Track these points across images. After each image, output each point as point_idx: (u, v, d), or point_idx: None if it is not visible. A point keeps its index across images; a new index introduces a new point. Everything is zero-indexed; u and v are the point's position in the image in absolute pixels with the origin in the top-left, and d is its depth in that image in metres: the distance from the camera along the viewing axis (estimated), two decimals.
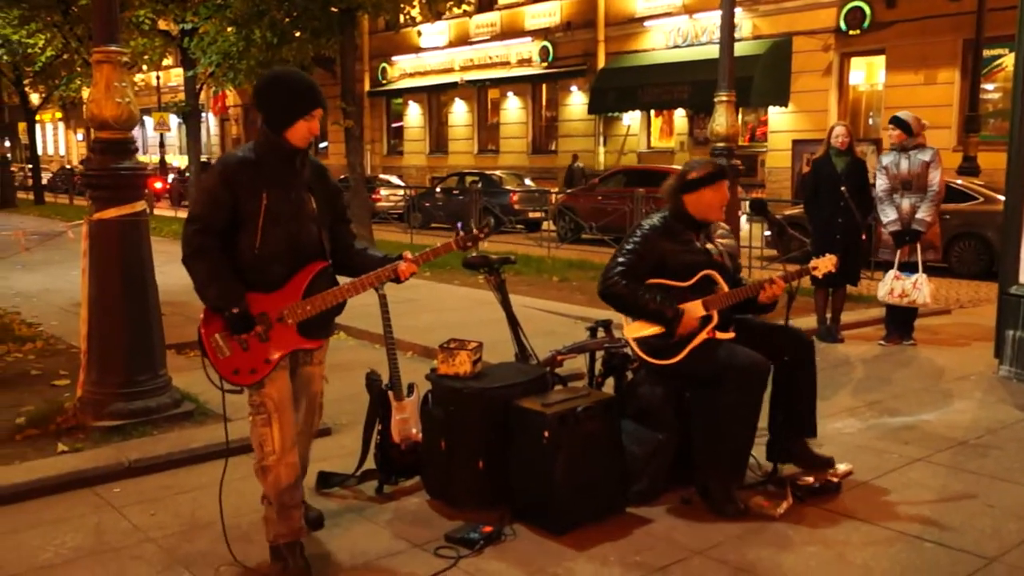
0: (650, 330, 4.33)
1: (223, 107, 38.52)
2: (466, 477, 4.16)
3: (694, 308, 4.29)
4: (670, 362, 4.29)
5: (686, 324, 4.25)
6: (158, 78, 34.68)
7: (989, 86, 18.51)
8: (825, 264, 4.50)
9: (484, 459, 4.13)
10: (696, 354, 4.26)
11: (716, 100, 8.61)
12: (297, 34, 14.55)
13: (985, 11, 15.99)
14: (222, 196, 3.39)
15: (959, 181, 13.82)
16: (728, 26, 8.47)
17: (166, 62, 26.85)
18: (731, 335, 4.34)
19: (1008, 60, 18.22)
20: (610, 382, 4.87)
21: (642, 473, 4.27)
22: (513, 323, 4.92)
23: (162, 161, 33.42)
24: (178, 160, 37.60)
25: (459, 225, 3.93)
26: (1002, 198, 12.43)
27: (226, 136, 42.20)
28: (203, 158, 21.83)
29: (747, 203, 5.01)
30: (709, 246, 4.46)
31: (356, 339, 7.62)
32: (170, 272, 5.57)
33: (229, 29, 15.06)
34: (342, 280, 3.65)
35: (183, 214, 22.20)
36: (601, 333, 5.07)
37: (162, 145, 34.35)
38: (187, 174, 23.06)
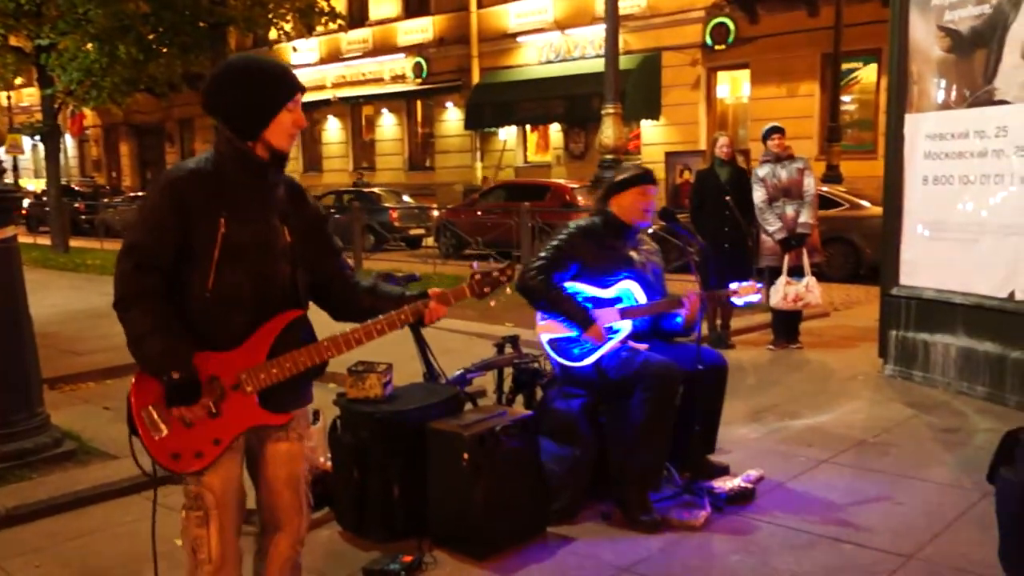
0: (562, 329, 4.31)
1: (81, 127, 36.82)
2: (381, 505, 3.98)
3: (609, 314, 4.28)
4: (583, 364, 4.27)
5: (596, 331, 4.24)
6: (9, 98, 32.92)
7: (847, 98, 19.38)
8: (747, 291, 4.54)
9: (399, 485, 3.96)
10: (609, 360, 4.23)
11: (603, 112, 8.69)
12: (165, 50, 14.02)
13: (842, 26, 16.71)
14: (168, 221, 2.56)
15: (825, 188, 14.34)
16: (613, 39, 8.54)
17: (18, 81, 25.41)
18: (644, 347, 4.32)
19: (863, 73, 19.20)
20: (520, 399, 4.79)
21: (561, 490, 4.19)
22: (421, 342, 4.77)
23: (16, 185, 31.67)
24: (33, 184, 35.72)
25: (474, 265, 3.09)
26: (866, 204, 13.12)
27: (85, 158, 40.39)
28: (62, 181, 20.70)
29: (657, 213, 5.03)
30: (633, 253, 4.45)
31: None
32: (37, 301, 5.18)
33: (90, 45, 14.38)
34: (343, 329, 2.81)
35: (43, 240, 21.09)
36: (509, 349, 4.98)
37: (15, 169, 32.57)
38: (45, 198, 21.88)
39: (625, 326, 4.30)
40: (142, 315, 2.54)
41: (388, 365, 4.23)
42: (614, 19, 8.57)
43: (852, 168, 17.35)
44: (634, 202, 4.40)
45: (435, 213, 19.94)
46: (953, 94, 6.23)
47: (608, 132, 8.59)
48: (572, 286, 4.33)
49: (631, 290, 4.35)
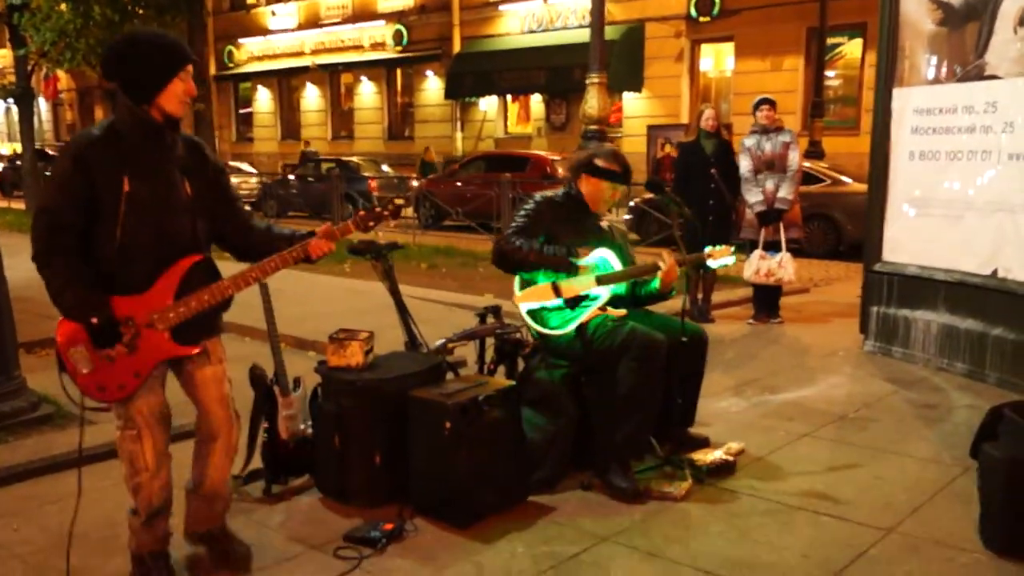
0: (540, 297, 4.29)
1: (55, 91, 36.28)
2: (362, 473, 3.97)
3: (586, 282, 4.25)
4: (562, 333, 4.25)
5: (584, 263, 4.22)
6: None
7: (831, 73, 19.38)
8: (721, 254, 4.51)
9: (381, 453, 3.95)
10: (593, 330, 4.21)
11: (588, 82, 8.62)
12: (140, 11, 13.79)
13: (828, 0, 16.68)
14: (76, 183, 2.89)
15: (807, 164, 14.37)
16: (599, 6, 8.46)
17: None
18: (622, 313, 4.32)
19: (848, 48, 19.19)
20: (501, 370, 4.77)
21: (543, 460, 4.19)
22: (403, 310, 4.74)
23: None
24: (5, 147, 35.15)
25: (360, 203, 3.66)
26: (848, 180, 13.16)
27: (60, 121, 39.79)
28: (36, 144, 20.42)
29: (644, 184, 5.03)
30: (602, 224, 4.45)
31: (230, 333, 7.21)
32: (12, 265, 5.11)
33: (64, 5, 14.12)
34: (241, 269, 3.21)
35: (16, 204, 20.81)
36: (491, 319, 4.96)
37: None
38: (19, 162, 21.58)
39: (603, 293, 4.28)
40: (58, 270, 2.91)
41: (370, 333, 4.20)
42: None
43: (835, 144, 17.40)
44: (602, 192, 4.41)
45: (414, 183, 19.84)
46: (943, 69, 6.23)
47: (592, 102, 8.52)
48: None
49: (606, 257, 4.33)
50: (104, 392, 3.03)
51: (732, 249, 4.51)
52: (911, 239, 6.58)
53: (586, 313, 4.25)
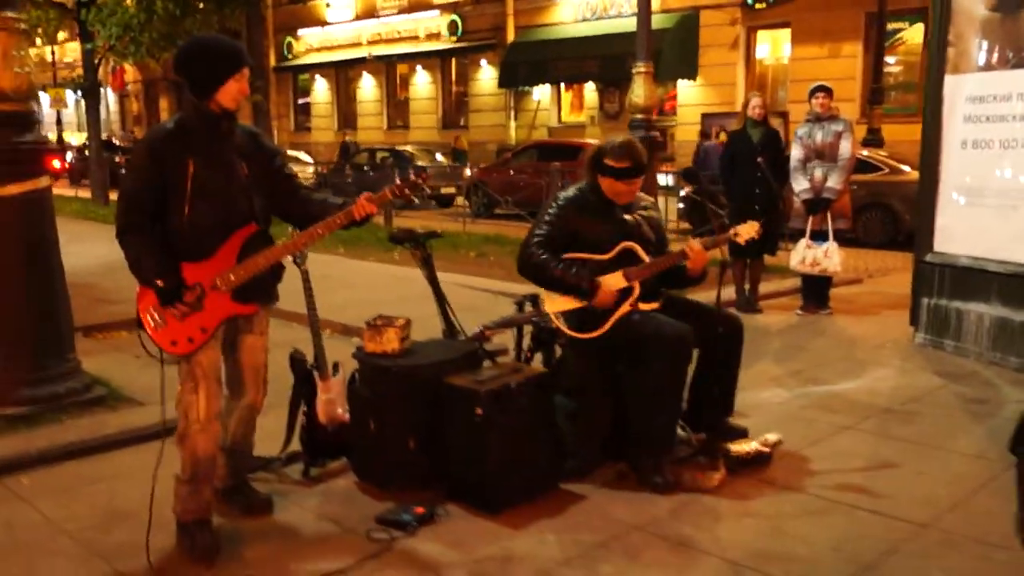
0: (571, 304, 4.25)
1: (122, 83, 37.10)
2: (396, 457, 4.02)
3: (614, 280, 4.22)
4: (593, 335, 4.22)
5: (603, 296, 4.18)
6: (53, 53, 33.13)
7: (891, 59, 18.97)
8: (747, 230, 4.39)
9: (414, 438, 4.00)
10: (619, 326, 4.19)
11: (634, 72, 8.57)
12: (201, 5, 14.03)
13: None
14: (149, 171, 3.37)
15: (865, 152, 14.08)
16: None
17: (61, 36, 25.55)
18: (655, 306, 4.28)
19: (909, 34, 18.76)
20: (539, 357, 4.78)
21: (575, 448, 4.21)
22: (440, 298, 4.78)
23: (60, 139, 31.99)
24: (75, 138, 36.03)
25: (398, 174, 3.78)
26: (906, 168, 12.87)
27: (126, 113, 40.71)
28: (103, 135, 20.92)
29: (680, 173, 5.01)
30: (627, 217, 4.37)
31: (275, 319, 7.31)
32: (76, 252, 5.30)
33: (128, 1, 14.44)
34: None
35: (83, 193, 21.34)
36: (529, 307, 4.95)
37: (59, 122, 32.87)
38: (87, 152, 22.15)
39: (633, 288, 4.24)
40: (134, 243, 3.36)
41: (406, 320, 4.24)
42: None
43: (894, 132, 17.02)
44: (618, 189, 4.30)
45: (467, 172, 19.92)
46: (996, 55, 6.05)
47: (639, 92, 8.47)
48: (572, 257, 4.25)
49: (633, 249, 4.26)
50: (176, 346, 3.41)
51: (757, 224, 4.40)
52: (963, 229, 6.42)
53: (618, 312, 4.22)
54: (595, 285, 4.17)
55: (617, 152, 4.27)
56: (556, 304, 4.31)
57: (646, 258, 4.28)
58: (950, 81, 6.38)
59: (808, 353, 6.64)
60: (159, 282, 3.33)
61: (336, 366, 4.29)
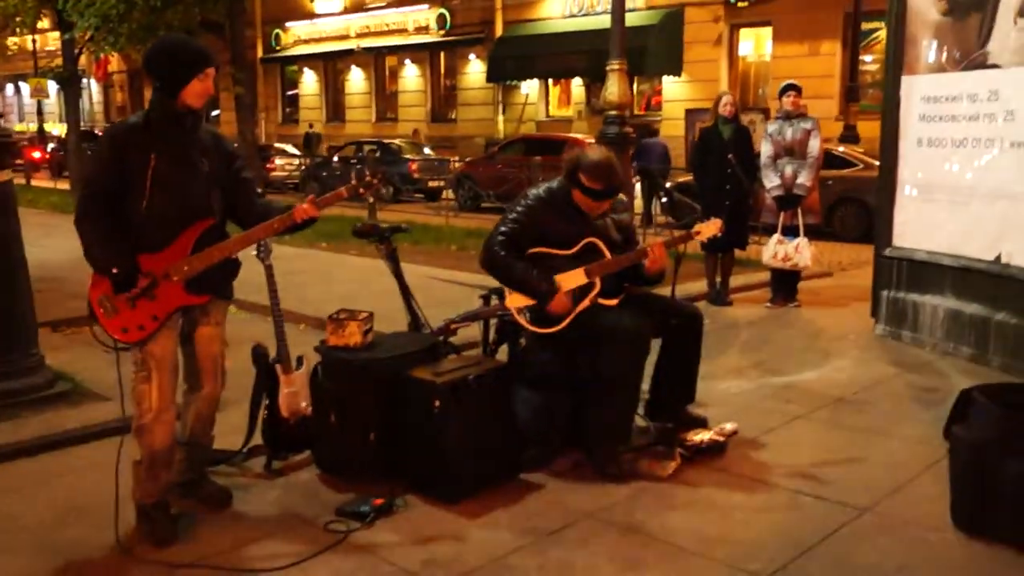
0: (530, 301, 4.35)
1: (106, 73, 36.90)
2: (357, 450, 4.10)
3: (575, 275, 4.30)
4: (553, 330, 4.31)
5: (558, 302, 4.26)
6: (34, 41, 32.94)
7: (867, 58, 19.12)
8: (709, 228, 4.54)
9: (376, 431, 4.08)
10: (579, 319, 4.28)
11: (608, 68, 8.67)
12: None
13: None
14: (110, 161, 3.49)
15: (841, 148, 14.26)
16: None
17: (42, 24, 25.37)
18: (614, 302, 4.38)
19: (884, 33, 18.88)
20: (504, 349, 4.87)
21: (535, 438, 4.30)
22: (405, 292, 4.87)
23: (40, 130, 31.78)
24: (58, 128, 35.87)
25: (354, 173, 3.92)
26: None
27: (110, 103, 40.47)
28: (85, 126, 20.79)
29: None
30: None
31: (247, 312, 7.41)
32: (50, 246, 5.30)
33: None
34: None
35: (63, 185, 21.27)
36: (494, 300, 5.04)
37: (40, 113, 32.65)
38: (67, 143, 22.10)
39: (594, 284, 4.34)
40: (90, 229, 3.47)
41: (369, 314, 4.33)
42: None
43: (870, 128, 17.04)
44: (590, 206, 4.35)
45: (455, 166, 19.98)
46: (948, 57, 6.18)
47: (612, 88, 8.56)
48: (536, 251, 4.34)
49: (596, 245, 4.35)
50: (127, 333, 3.51)
51: (719, 222, 4.53)
52: (919, 224, 6.56)
53: (579, 306, 4.31)
54: (552, 290, 4.24)
55: (592, 172, 4.25)
56: (517, 300, 4.40)
57: (608, 255, 4.38)
58: (906, 81, 6.52)
59: (772, 345, 6.77)
60: (113, 269, 3.44)
61: (300, 360, 4.37)
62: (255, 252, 3.98)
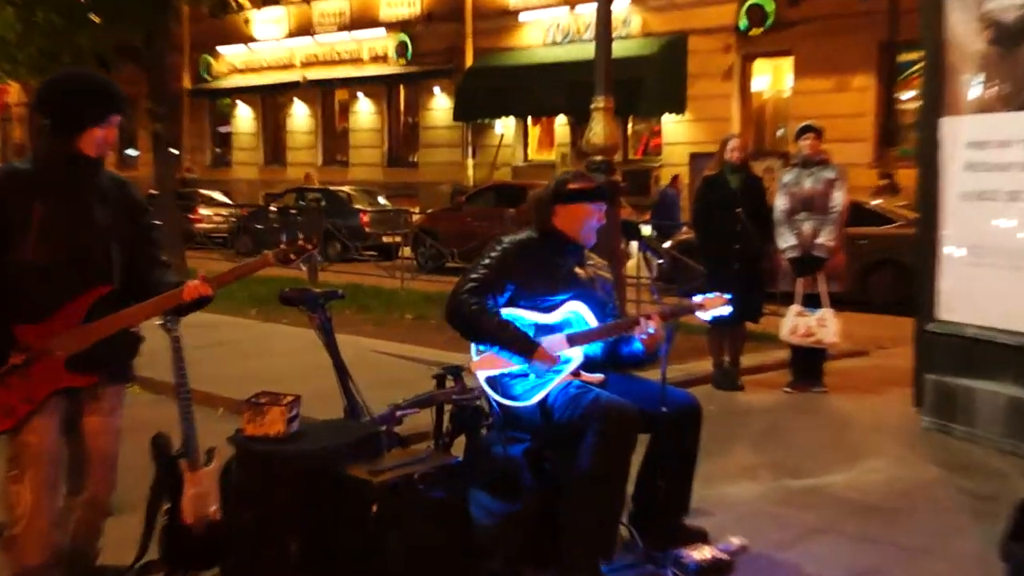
0: (504, 367, 4.31)
1: (2, 105, 36.98)
2: (277, 563, 3.97)
3: (556, 342, 4.29)
4: (526, 404, 4.27)
5: (543, 353, 4.23)
6: None
7: (907, 94, 19.38)
8: (714, 304, 4.50)
9: (299, 541, 3.97)
10: (555, 398, 4.23)
11: (592, 107, 8.72)
12: (95, 17, 14.07)
13: (899, 12, 16.72)
14: None
15: (876, 201, 14.37)
16: (605, 18, 8.59)
17: None
18: (599, 378, 4.33)
19: None
20: (461, 441, 4.78)
21: (495, 550, 4.20)
22: (341, 371, 4.80)
23: None
24: None
25: (283, 237, 3.87)
26: None
27: (7, 138, 40.48)
28: None
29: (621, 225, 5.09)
30: (579, 271, 4.47)
31: (153, 393, 7.30)
32: None
33: (9, 9, 14.46)
34: None
35: None
36: (450, 382, 4.97)
37: None
38: None
39: (575, 355, 4.30)
40: None
41: (295, 397, 4.23)
42: None
43: (912, 177, 17.34)
44: (583, 216, 4.40)
45: (415, 218, 20.03)
46: (997, 94, 6.26)
47: (597, 129, 8.59)
48: (510, 312, 4.34)
49: (580, 312, 4.36)
50: None
51: (727, 298, 4.50)
52: (969, 294, 6.58)
53: (556, 379, 4.27)
54: (536, 342, 4.23)
55: (579, 176, 4.54)
56: (487, 365, 4.35)
57: (594, 322, 4.34)
58: (947, 124, 6.58)
59: (792, 439, 6.71)
60: None
61: (210, 453, 4.26)
62: (159, 321, 3.89)
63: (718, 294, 4.52)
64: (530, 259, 4.40)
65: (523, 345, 4.25)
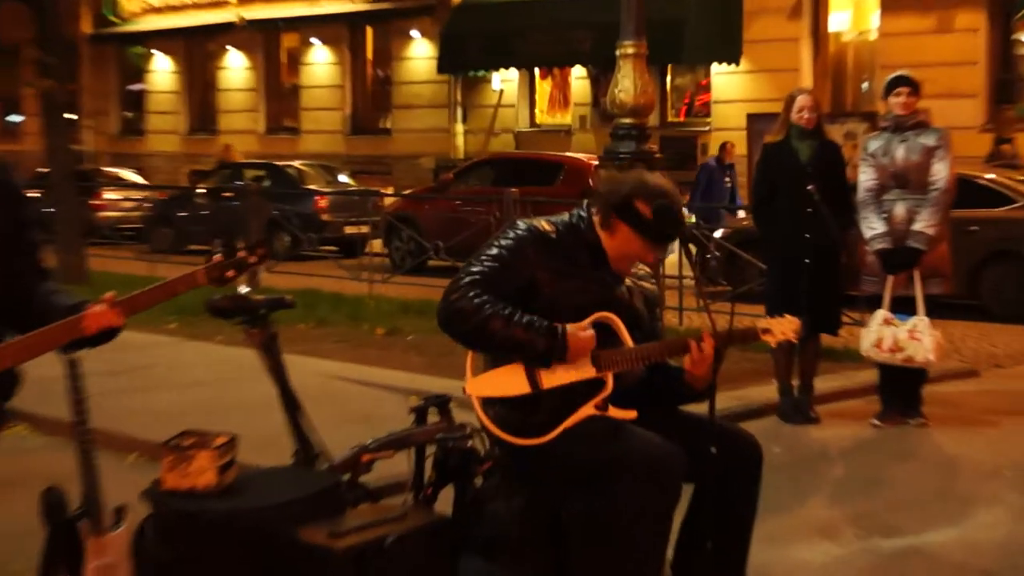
0: (508, 385, 4.29)
1: None
2: None
3: (579, 364, 4.26)
4: (537, 441, 4.25)
5: (577, 347, 4.19)
6: None
7: None
8: (783, 328, 4.48)
9: None
10: (577, 435, 4.22)
11: (619, 54, 8.73)
12: None
13: None
14: None
15: (990, 176, 14.37)
16: None
17: None
18: (631, 414, 4.33)
19: None
20: (448, 493, 4.80)
21: None
22: (290, 404, 4.82)
23: None
24: None
25: (216, 243, 3.87)
26: None
27: None
28: None
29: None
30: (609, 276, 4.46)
31: (46, 434, 7.34)
32: None
33: None
34: None
35: None
36: (434, 416, 5.00)
37: None
38: None
39: (605, 381, 4.31)
40: None
41: (230, 438, 4.25)
42: None
43: None
44: (633, 250, 4.38)
45: (387, 202, 20.02)
46: None
47: (626, 84, 8.59)
48: None
49: (612, 324, 4.34)
50: None
51: (797, 324, 4.50)
52: None
53: (577, 412, 4.28)
54: (563, 332, 4.17)
55: (660, 204, 4.33)
56: (484, 386, 4.36)
57: (629, 341, 4.35)
58: None
59: (882, 486, 6.76)
60: None
61: (120, 512, 4.27)
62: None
63: (788, 318, 4.51)
64: (553, 251, 4.37)
65: (546, 339, 4.17)
